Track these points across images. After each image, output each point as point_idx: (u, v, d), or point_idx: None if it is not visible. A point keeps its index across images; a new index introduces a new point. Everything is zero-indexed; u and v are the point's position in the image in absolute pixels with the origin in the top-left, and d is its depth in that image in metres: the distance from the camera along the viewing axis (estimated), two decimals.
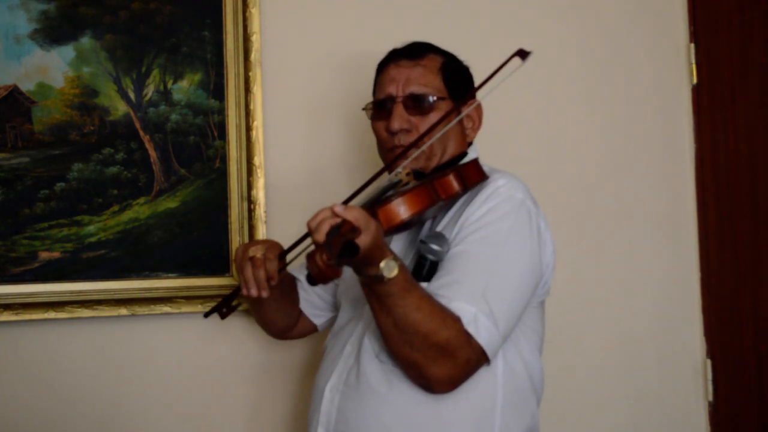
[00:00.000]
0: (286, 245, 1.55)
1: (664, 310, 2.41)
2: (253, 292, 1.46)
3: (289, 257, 1.54)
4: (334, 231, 1.25)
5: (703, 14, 2.42)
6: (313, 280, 1.26)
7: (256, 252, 1.48)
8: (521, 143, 2.35)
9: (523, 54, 1.53)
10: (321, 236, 1.25)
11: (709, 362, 2.39)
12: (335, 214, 1.28)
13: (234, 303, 1.66)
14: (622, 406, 2.37)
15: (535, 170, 2.32)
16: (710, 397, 2.38)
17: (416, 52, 1.65)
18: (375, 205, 1.40)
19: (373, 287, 1.35)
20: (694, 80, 2.43)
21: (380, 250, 1.31)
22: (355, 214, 1.28)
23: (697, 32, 2.43)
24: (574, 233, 2.35)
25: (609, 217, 2.40)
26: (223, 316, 1.71)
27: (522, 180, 1.57)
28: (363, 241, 1.26)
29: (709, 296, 2.40)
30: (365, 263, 1.31)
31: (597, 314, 2.37)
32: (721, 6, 2.36)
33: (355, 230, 1.25)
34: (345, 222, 1.26)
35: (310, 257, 1.26)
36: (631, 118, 2.42)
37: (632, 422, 2.38)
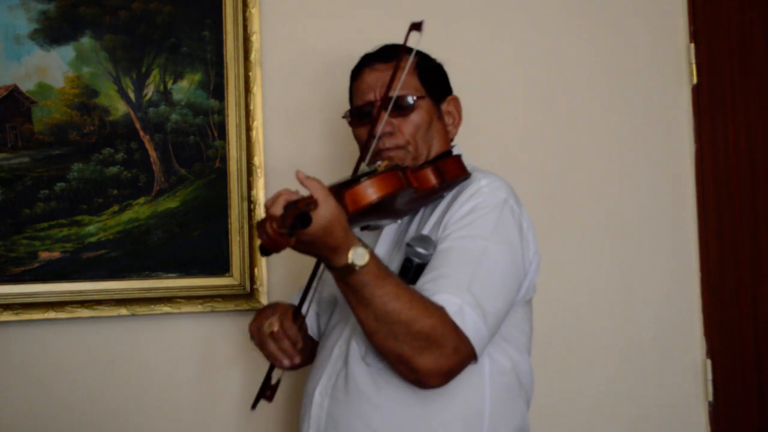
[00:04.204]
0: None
1: (664, 310, 2.41)
2: (286, 364, 1.50)
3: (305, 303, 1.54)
4: (291, 204, 1.25)
5: (703, 14, 2.41)
6: (265, 250, 1.26)
7: (273, 326, 1.50)
8: (521, 143, 2.35)
9: (417, 26, 1.53)
10: (277, 209, 1.26)
11: (709, 362, 2.39)
12: (298, 179, 1.30)
13: (273, 382, 1.60)
14: (622, 405, 2.37)
15: (536, 170, 2.33)
16: (710, 397, 2.38)
17: (389, 54, 1.64)
18: (342, 187, 1.37)
19: (347, 279, 1.33)
20: (694, 80, 2.43)
21: (344, 234, 1.30)
22: (315, 185, 1.29)
23: (697, 32, 2.43)
24: (574, 233, 2.35)
25: (609, 217, 2.40)
26: (270, 398, 1.63)
27: (516, 181, 1.57)
28: (319, 214, 1.26)
29: (709, 296, 2.40)
30: (330, 249, 1.30)
31: (597, 314, 2.37)
32: (721, 6, 2.36)
33: (310, 204, 1.25)
34: (302, 198, 1.26)
35: (260, 225, 1.26)
36: (631, 118, 2.42)
37: (632, 422, 2.38)
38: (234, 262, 2.16)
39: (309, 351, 1.74)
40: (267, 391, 1.58)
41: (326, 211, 1.28)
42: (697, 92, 2.43)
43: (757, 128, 2.25)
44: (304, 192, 1.31)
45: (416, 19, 1.55)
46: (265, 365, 2.18)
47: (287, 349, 1.49)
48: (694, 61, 2.43)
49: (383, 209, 1.45)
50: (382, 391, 1.46)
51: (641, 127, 2.43)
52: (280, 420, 2.19)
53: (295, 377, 2.14)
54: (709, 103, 2.40)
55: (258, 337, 1.55)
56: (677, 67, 2.46)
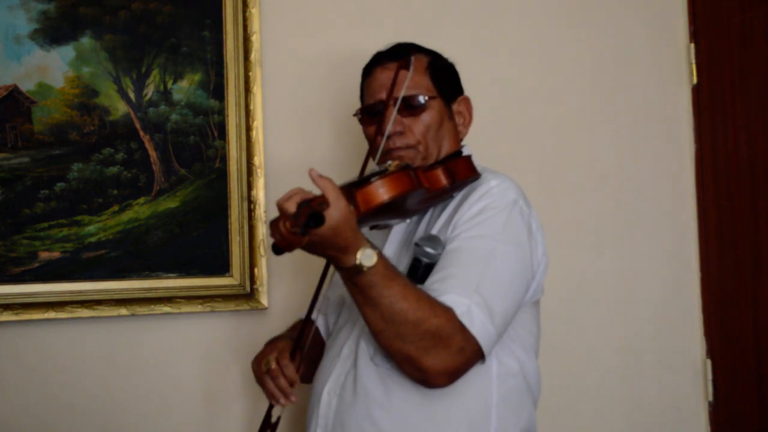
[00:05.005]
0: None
1: (664, 310, 2.41)
2: (283, 402, 1.51)
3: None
4: (304, 203, 1.25)
5: (703, 14, 2.41)
6: (278, 249, 1.28)
7: (270, 363, 1.52)
8: (521, 143, 2.35)
9: (406, 65, 1.55)
10: (291, 207, 1.27)
11: (709, 362, 2.39)
12: (311, 177, 1.30)
13: (273, 420, 1.61)
14: (622, 406, 2.37)
15: (535, 170, 2.33)
16: (710, 397, 2.38)
17: (402, 53, 1.64)
18: (354, 187, 1.37)
19: (354, 280, 1.34)
20: (694, 80, 2.43)
21: (353, 234, 1.31)
22: (327, 185, 1.30)
23: (697, 32, 2.43)
24: (574, 233, 2.35)
25: (609, 217, 2.39)
26: None
27: (516, 181, 1.57)
28: (330, 215, 1.27)
29: (709, 296, 2.40)
30: (339, 249, 1.31)
31: (597, 314, 2.37)
32: (721, 6, 2.36)
33: (323, 203, 1.26)
34: (315, 197, 1.27)
35: (274, 224, 1.27)
36: (631, 118, 2.42)
37: (632, 422, 2.37)
38: (234, 262, 2.16)
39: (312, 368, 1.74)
40: (267, 430, 1.59)
41: (336, 212, 1.28)
42: (697, 92, 2.43)
43: (757, 128, 2.25)
44: (315, 191, 1.31)
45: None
46: None
47: (283, 387, 1.50)
48: (694, 61, 2.43)
49: (393, 209, 1.45)
50: (391, 391, 1.47)
51: (641, 127, 2.43)
52: (288, 417, 2.19)
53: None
54: (709, 103, 2.40)
55: (257, 373, 1.59)
56: (677, 67, 2.46)
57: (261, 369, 1.55)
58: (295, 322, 1.84)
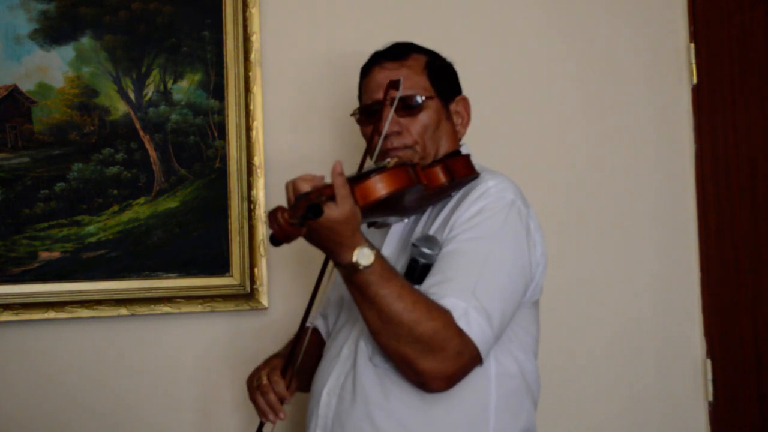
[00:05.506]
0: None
1: (664, 309, 2.41)
2: (272, 418, 1.53)
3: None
4: (303, 195, 1.27)
5: (703, 14, 2.41)
6: (276, 240, 1.29)
7: (261, 379, 1.54)
8: (521, 143, 2.35)
9: (395, 85, 1.56)
10: (296, 193, 1.30)
11: (709, 362, 2.39)
12: (333, 168, 1.34)
13: None
14: (621, 405, 2.37)
15: (536, 170, 2.33)
16: (710, 397, 2.38)
17: (399, 53, 1.64)
18: (352, 182, 1.37)
19: (352, 278, 1.35)
20: (694, 80, 2.43)
21: (351, 233, 1.32)
22: (339, 181, 1.32)
23: (697, 32, 2.43)
24: (574, 233, 2.35)
25: (609, 217, 2.40)
26: None
27: (515, 180, 1.57)
28: (333, 210, 1.29)
29: (709, 296, 2.40)
30: (336, 244, 1.32)
31: (597, 314, 2.37)
32: (721, 6, 2.36)
33: (322, 195, 1.28)
34: (315, 189, 1.30)
35: (272, 215, 1.28)
36: (631, 118, 2.42)
37: (632, 422, 2.38)
38: (234, 262, 2.16)
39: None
40: None
41: (340, 209, 1.30)
42: (697, 92, 2.43)
43: (757, 128, 2.25)
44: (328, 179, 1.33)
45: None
46: None
47: (273, 403, 1.52)
48: (694, 61, 2.43)
49: (391, 206, 1.46)
50: (389, 392, 1.47)
51: (641, 127, 2.43)
52: (288, 417, 2.18)
53: None
54: (709, 103, 2.40)
55: (250, 389, 1.59)
56: (677, 67, 2.46)
57: (252, 385, 1.56)
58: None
